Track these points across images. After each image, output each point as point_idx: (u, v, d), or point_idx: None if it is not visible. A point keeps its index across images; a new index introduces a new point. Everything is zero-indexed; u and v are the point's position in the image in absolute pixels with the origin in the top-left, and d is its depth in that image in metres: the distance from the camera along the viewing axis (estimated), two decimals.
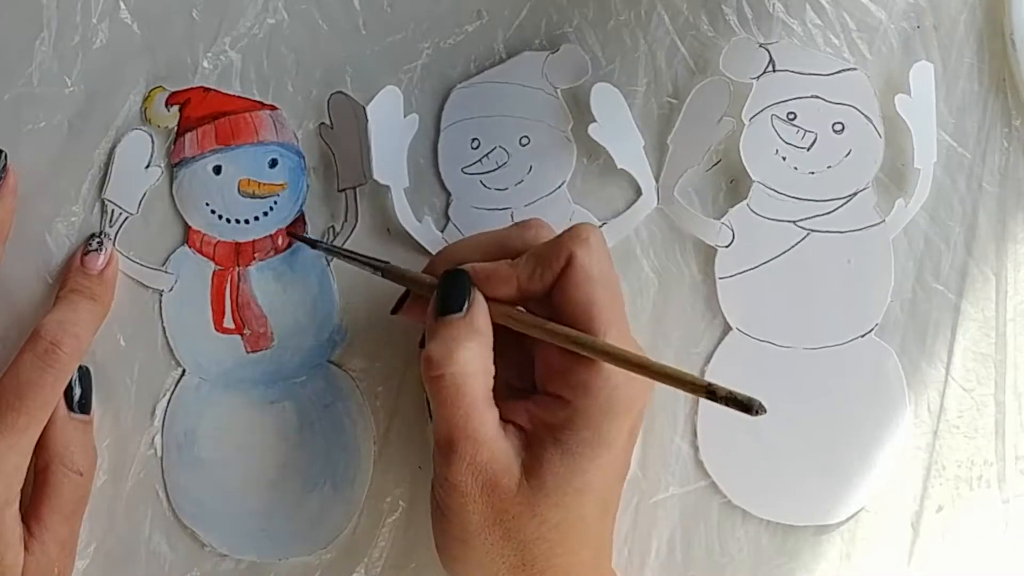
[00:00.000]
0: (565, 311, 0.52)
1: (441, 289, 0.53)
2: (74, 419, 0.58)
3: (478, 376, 0.51)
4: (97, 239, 0.59)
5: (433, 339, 0.52)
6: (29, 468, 0.56)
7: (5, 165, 0.59)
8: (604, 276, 0.52)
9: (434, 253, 0.58)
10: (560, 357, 0.52)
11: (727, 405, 0.46)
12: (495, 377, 0.53)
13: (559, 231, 0.53)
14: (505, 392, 0.53)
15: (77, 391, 0.58)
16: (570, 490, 0.51)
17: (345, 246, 0.60)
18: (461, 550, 0.53)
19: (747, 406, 0.46)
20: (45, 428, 0.56)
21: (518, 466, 0.51)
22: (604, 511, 0.54)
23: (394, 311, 0.57)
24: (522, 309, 0.54)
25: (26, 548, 0.56)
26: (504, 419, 0.52)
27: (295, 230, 0.60)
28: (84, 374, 0.59)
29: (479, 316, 0.52)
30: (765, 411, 0.45)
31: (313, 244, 0.59)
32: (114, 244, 0.60)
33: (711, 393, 0.47)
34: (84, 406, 0.59)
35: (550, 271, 0.52)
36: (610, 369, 0.50)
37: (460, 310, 0.52)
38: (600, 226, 0.60)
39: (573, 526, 0.52)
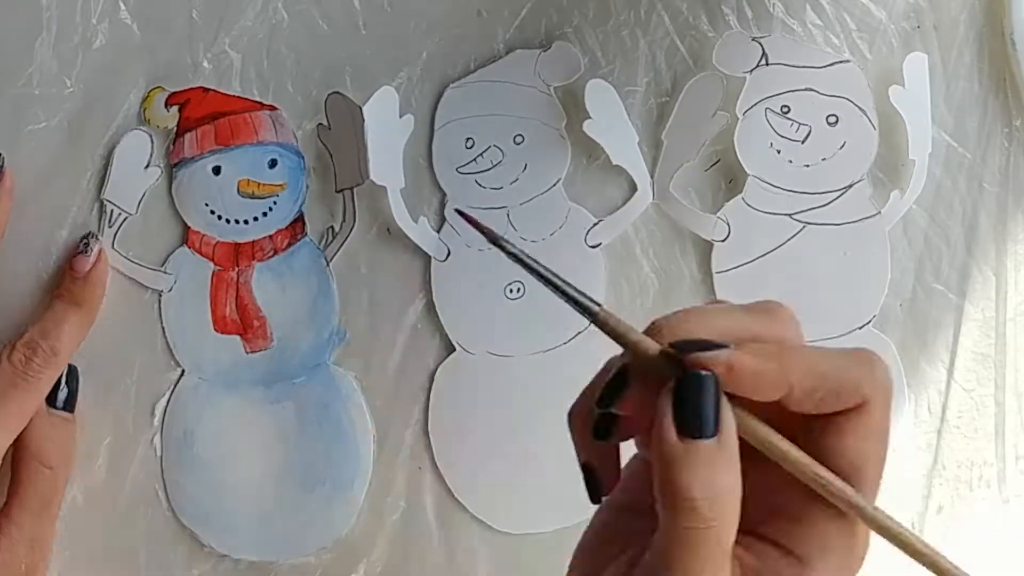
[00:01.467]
0: (826, 453, 0.40)
1: (683, 396, 0.39)
2: (54, 415, 0.58)
3: (735, 519, 0.39)
4: (84, 240, 0.60)
5: (681, 467, 0.38)
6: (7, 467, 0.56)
7: (2, 167, 0.59)
8: (886, 434, 0.41)
9: (432, 254, 0.58)
10: (801, 502, 0.41)
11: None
12: None
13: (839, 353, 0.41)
14: None
15: (63, 392, 0.59)
16: None
17: (345, 244, 0.60)
18: None
19: None
20: (25, 427, 0.56)
21: None
22: None
23: (604, 404, 0.41)
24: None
25: None
26: None
27: (488, 230, 0.42)
28: (72, 374, 0.59)
29: (733, 441, 0.39)
30: None
31: (516, 258, 0.40)
32: (113, 244, 0.60)
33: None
34: (68, 405, 0.59)
35: (832, 404, 0.40)
36: (862, 532, 0.41)
37: (711, 434, 0.38)
38: (596, 224, 0.60)
39: None
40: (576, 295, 0.40)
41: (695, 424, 0.38)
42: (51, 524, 0.58)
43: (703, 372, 0.38)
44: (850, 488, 0.40)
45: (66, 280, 0.59)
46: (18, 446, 0.57)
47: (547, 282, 0.40)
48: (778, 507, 0.41)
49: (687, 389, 0.39)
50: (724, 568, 0.39)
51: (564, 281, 0.40)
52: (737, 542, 0.40)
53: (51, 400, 0.58)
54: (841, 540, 0.41)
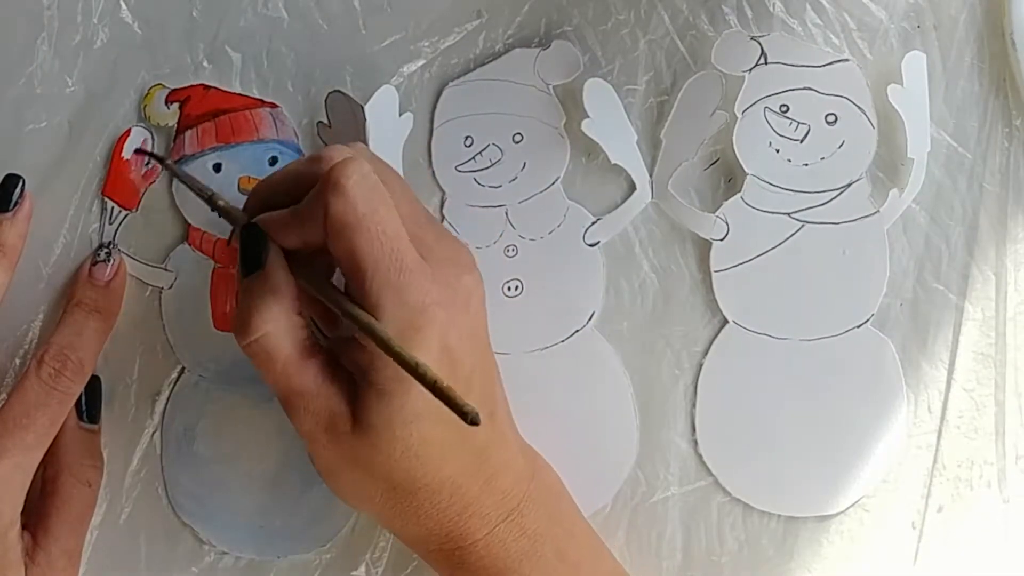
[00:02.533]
0: (339, 263, 0.50)
1: (240, 247, 0.51)
2: (83, 429, 0.59)
3: (284, 335, 0.49)
4: (105, 249, 0.60)
5: (238, 303, 0.51)
6: (35, 479, 0.56)
7: (22, 190, 0.59)
8: (363, 217, 0.48)
9: None
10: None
11: (447, 404, 0.45)
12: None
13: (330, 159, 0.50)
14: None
15: (86, 402, 0.59)
16: (399, 423, 0.49)
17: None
18: (335, 484, 0.53)
19: (463, 412, 0.45)
20: (55, 438, 0.57)
21: (348, 411, 0.50)
22: (457, 423, 0.49)
23: (229, 242, 0.56)
24: None
25: (32, 559, 0.56)
26: (334, 363, 0.51)
27: (144, 147, 0.60)
28: (93, 384, 0.59)
29: (276, 274, 0.50)
30: (478, 423, 0.44)
31: (160, 160, 0.56)
32: (114, 241, 0.60)
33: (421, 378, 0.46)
34: (93, 416, 0.59)
35: (316, 226, 0.49)
36: (389, 305, 0.48)
37: (258, 268, 0.50)
38: (594, 222, 0.60)
39: (424, 450, 0.50)
40: (198, 187, 0.53)
41: (246, 263, 0.50)
42: (85, 536, 0.59)
43: (252, 223, 0.50)
44: (344, 299, 0.49)
45: (85, 288, 0.59)
46: (50, 462, 0.57)
47: (181, 179, 0.54)
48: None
49: (242, 238, 0.51)
50: (290, 371, 0.50)
51: (191, 178, 0.54)
52: (348, 341, 0.51)
53: (77, 413, 0.59)
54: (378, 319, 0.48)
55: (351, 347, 0.50)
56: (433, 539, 0.53)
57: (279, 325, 0.49)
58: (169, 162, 0.55)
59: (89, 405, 0.59)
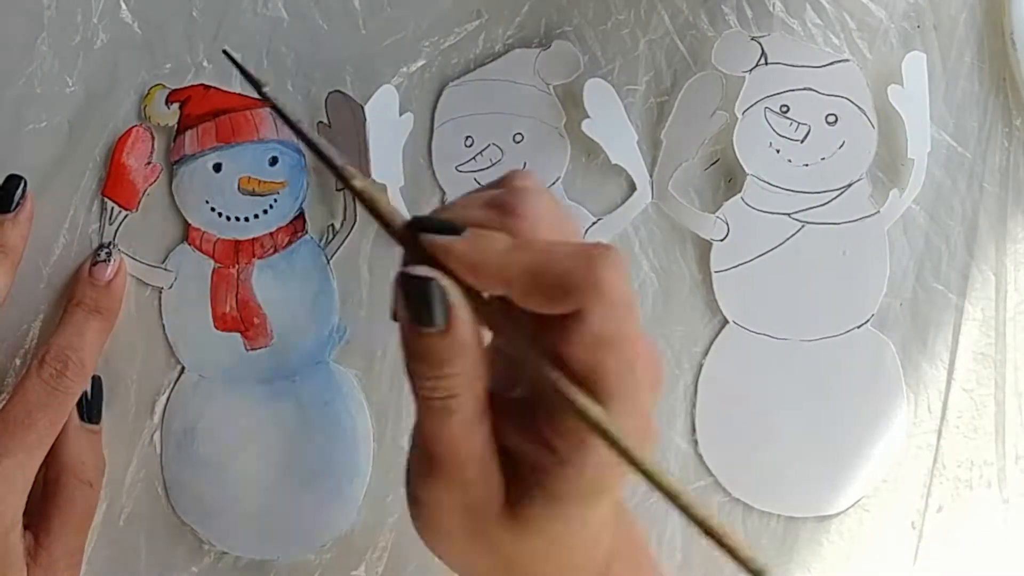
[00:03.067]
0: (562, 358, 0.40)
1: (405, 295, 0.40)
2: (85, 429, 0.59)
3: (467, 393, 0.41)
4: (105, 249, 0.60)
5: (412, 356, 0.41)
6: (36, 479, 0.56)
7: (24, 191, 0.59)
8: (620, 339, 0.40)
9: None
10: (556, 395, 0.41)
11: (732, 558, 0.38)
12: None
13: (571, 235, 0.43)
14: (495, 399, 0.43)
15: (87, 402, 0.59)
16: (553, 530, 0.43)
17: (346, 242, 0.60)
18: (442, 547, 0.46)
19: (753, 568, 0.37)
20: (56, 438, 0.57)
21: (502, 491, 0.43)
22: (596, 541, 0.45)
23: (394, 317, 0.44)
24: None
25: (34, 559, 0.56)
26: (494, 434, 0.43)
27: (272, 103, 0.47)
28: (95, 384, 0.59)
29: (463, 330, 0.40)
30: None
31: (287, 120, 0.42)
32: (114, 241, 0.60)
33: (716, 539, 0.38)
34: (94, 416, 0.59)
35: (547, 306, 0.40)
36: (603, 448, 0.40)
37: (434, 324, 0.40)
38: (594, 223, 0.60)
39: (561, 556, 0.44)
40: (333, 162, 0.41)
41: (419, 314, 0.40)
42: (86, 537, 0.59)
43: (422, 272, 0.39)
44: (575, 392, 0.39)
45: (85, 288, 0.59)
46: (51, 462, 0.57)
47: (314, 150, 0.41)
48: (545, 400, 0.41)
49: (408, 287, 0.40)
50: (462, 434, 0.41)
51: (326, 148, 0.41)
52: (519, 423, 0.42)
53: (79, 413, 0.59)
54: (593, 440, 0.40)
55: (531, 437, 0.42)
56: None
57: (464, 385, 0.41)
58: (298, 126, 0.42)
59: (90, 405, 0.59)
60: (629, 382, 0.40)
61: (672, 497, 0.38)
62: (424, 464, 0.43)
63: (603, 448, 0.39)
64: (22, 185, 0.59)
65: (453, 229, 0.40)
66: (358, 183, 0.41)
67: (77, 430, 0.58)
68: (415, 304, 0.40)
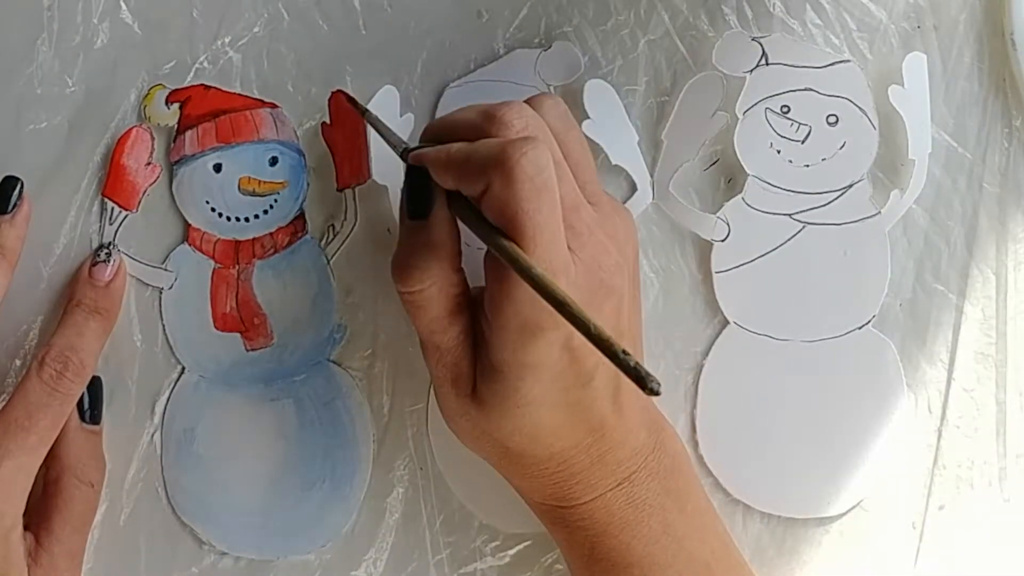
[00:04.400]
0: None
1: (406, 186, 0.52)
2: (85, 430, 0.59)
3: (439, 292, 0.51)
4: (105, 250, 0.60)
5: (400, 244, 0.52)
6: (37, 480, 0.56)
7: (20, 192, 0.59)
8: (521, 215, 0.47)
9: None
10: (486, 267, 0.50)
11: (627, 374, 0.41)
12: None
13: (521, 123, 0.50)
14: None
15: (87, 403, 0.59)
16: (511, 405, 0.50)
17: (346, 242, 0.60)
18: (453, 427, 0.55)
19: (643, 380, 0.40)
20: (57, 439, 0.57)
21: (472, 376, 0.52)
22: (575, 407, 0.51)
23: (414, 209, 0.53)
24: None
25: (35, 560, 0.56)
26: (478, 321, 0.52)
27: (345, 92, 0.60)
28: (95, 384, 0.59)
29: (440, 226, 0.51)
30: (659, 393, 0.40)
31: (361, 111, 0.58)
32: (114, 242, 0.60)
33: (615, 356, 0.41)
34: (95, 417, 0.59)
35: (473, 186, 0.48)
36: (519, 289, 0.47)
37: (422, 215, 0.51)
38: None
39: (535, 431, 0.51)
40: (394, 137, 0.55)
41: (411, 207, 0.51)
42: (87, 538, 0.59)
43: (420, 166, 0.51)
44: (502, 239, 0.47)
45: (85, 288, 0.59)
46: (52, 462, 0.57)
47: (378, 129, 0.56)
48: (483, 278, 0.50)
49: (409, 178, 0.52)
50: (435, 327, 0.51)
51: (388, 128, 0.56)
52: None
53: (79, 414, 0.58)
54: (504, 298, 0.48)
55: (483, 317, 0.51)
56: (537, 494, 0.54)
57: (436, 282, 0.51)
58: (370, 114, 0.58)
59: (91, 406, 0.59)
60: (535, 257, 0.46)
61: (559, 306, 0.43)
62: (421, 348, 0.53)
63: (511, 308, 0.47)
64: (19, 186, 0.59)
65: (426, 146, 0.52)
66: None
67: (77, 431, 0.58)
68: (410, 194, 0.51)
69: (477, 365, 0.52)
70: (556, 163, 0.49)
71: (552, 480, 0.53)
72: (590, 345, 0.44)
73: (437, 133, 0.53)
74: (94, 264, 0.59)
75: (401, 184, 0.59)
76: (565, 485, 0.53)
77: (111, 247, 0.60)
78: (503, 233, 0.47)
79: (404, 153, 0.53)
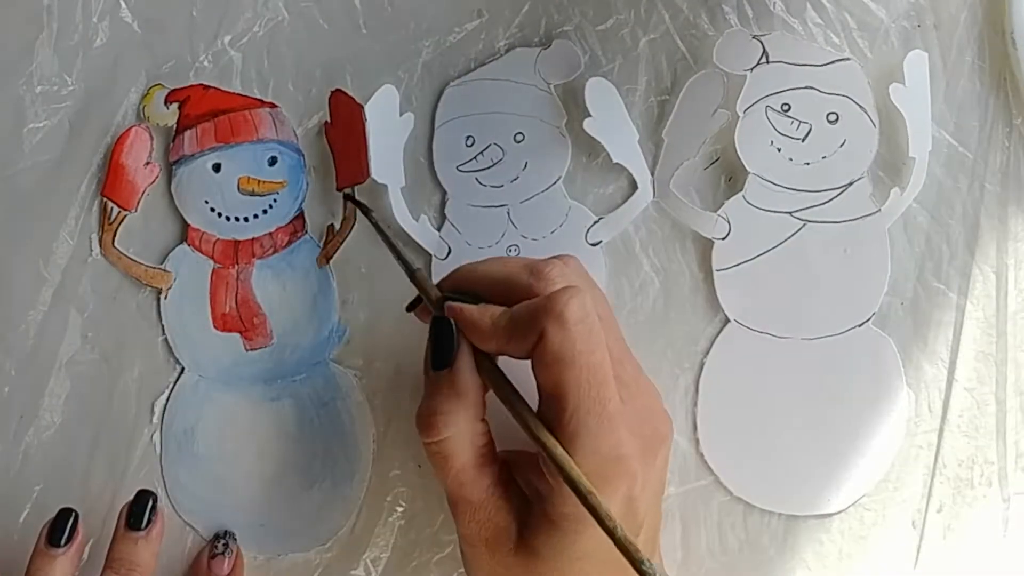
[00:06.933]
0: (539, 386, 0.49)
1: (431, 338, 0.52)
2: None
3: (464, 441, 0.51)
4: (223, 540, 0.60)
5: (425, 396, 0.51)
6: None
7: (154, 508, 0.59)
8: (578, 356, 0.48)
9: (432, 252, 0.59)
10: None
11: (627, 558, 0.45)
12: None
13: (560, 279, 0.51)
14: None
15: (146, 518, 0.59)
16: (564, 558, 0.50)
17: (346, 241, 0.60)
18: None
19: (642, 569, 0.45)
20: None
21: (515, 529, 0.51)
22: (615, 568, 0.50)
23: (409, 308, 0.56)
24: None
25: None
26: (507, 475, 0.52)
27: (351, 195, 0.60)
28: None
29: (464, 376, 0.51)
30: None
31: (366, 212, 0.59)
32: (113, 242, 0.60)
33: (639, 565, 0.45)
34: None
35: (523, 344, 0.49)
36: (584, 449, 0.48)
37: (446, 366, 0.51)
38: (596, 222, 0.60)
39: None
40: (402, 256, 0.55)
41: (435, 357, 0.51)
42: None
43: (445, 317, 0.51)
44: (534, 421, 0.48)
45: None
46: None
47: (386, 242, 0.56)
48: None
49: (434, 329, 0.51)
50: (464, 479, 0.50)
51: (397, 244, 0.56)
52: (526, 461, 0.52)
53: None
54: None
55: (528, 467, 0.52)
56: None
57: (461, 430, 0.50)
58: (374, 216, 0.58)
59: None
60: (592, 398, 0.48)
61: (609, 531, 0.45)
62: (449, 505, 0.52)
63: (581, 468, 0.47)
64: (151, 502, 0.58)
65: (463, 300, 0.52)
66: (419, 275, 0.54)
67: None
68: (435, 345, 0.51)
69: (519, 519, 0.51)
70: (598, 315, 0.50)
71: None
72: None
73: (465, 283, 0.53)
74: (212, 556, 0.60)
75: (400, 184, 0.59)
76: None
77: (227, 537, 0.60)
78: (535, 415, 0.49)
79: (412, 275, 0.54)
